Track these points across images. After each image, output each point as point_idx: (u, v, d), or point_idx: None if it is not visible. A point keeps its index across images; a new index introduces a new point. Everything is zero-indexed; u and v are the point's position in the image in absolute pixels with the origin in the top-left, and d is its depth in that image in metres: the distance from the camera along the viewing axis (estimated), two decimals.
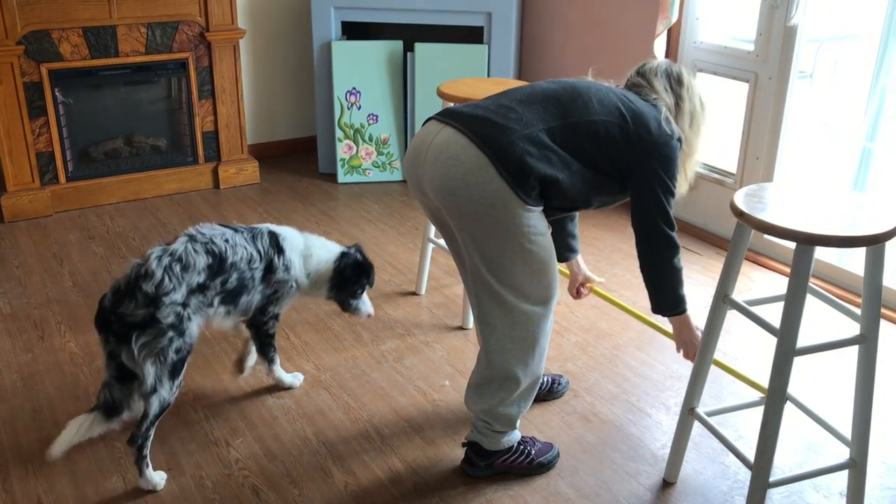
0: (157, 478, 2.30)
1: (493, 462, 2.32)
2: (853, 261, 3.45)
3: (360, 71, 4.51)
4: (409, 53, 4.50)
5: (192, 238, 2.32)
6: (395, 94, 4.58)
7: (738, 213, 1.92)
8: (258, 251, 2.42)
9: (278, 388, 2.75)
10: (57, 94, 4.05)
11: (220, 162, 4.55)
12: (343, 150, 4.60)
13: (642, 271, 2.23)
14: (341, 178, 4.64)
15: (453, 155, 2.01)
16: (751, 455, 2.02)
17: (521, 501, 2.26)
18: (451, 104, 3.15)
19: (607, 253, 3.83)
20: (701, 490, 2.32)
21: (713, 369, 2.32)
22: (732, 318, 2.37)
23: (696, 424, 2.28)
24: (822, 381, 2.84)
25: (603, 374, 2.87)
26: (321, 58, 4.53)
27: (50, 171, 4.14)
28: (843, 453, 2.14)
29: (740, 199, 1.97)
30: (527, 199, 1.99)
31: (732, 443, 2.14)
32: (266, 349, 2.65)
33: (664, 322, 3.17)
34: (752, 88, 3.65)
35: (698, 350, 2.21)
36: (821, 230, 1.82)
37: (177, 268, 2.23)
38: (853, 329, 2.01)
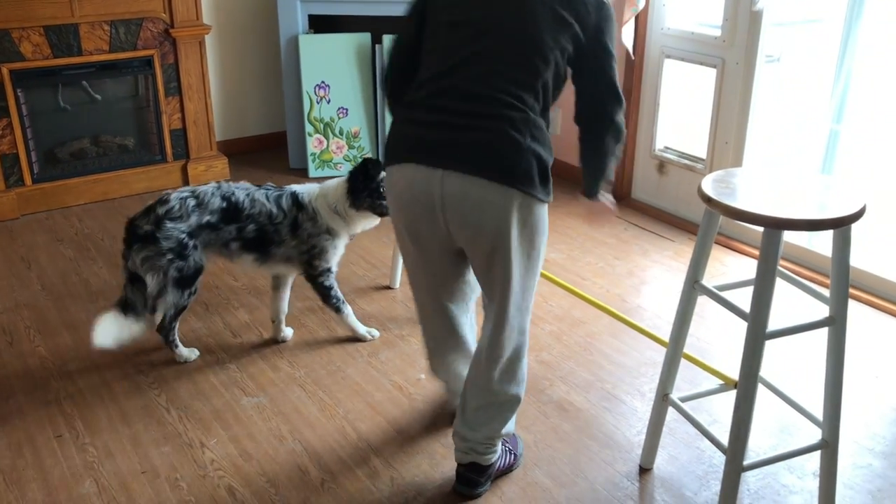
0: (187, 352, 2.84)
1: (492, 473, 2.26)
2: (823, 243, 3.49)
3: (328, 64, 4.48)
4: (377, 46, 4.47)
5: (218, 186, 2.69)
6: (364, 87, 4.55)
7: (706, 199, 1.92)
8: (280, 209, 2.68)
9: (252, 385, 2.73)
10: (19, 94, 3.98)
11: (189, 159, 4.50)
12: (313, 144, 4.57)
13: (587, 163, 2.11)
14: (312, 172, 4.61)
15: (481, 200, 1.89)
16: (725, 439, 2.03)
17: (498, 493, 2.26)
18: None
19: (580, 241, 3.83)
20: (677, 475, 2.34)
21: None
22: (707, 303, 2.39)
23: (671, 410, 2.29)
24: (796, 363, 2.87)
25: (578, 363, 2.88)
26: (289, 52, 4.49)
27: (15, 173, 4.07)
28: (815, 434, 2.16)
29: (708, 184, 1.97)
30: (548, 197, 1.97)
31: (707, 427, 2.16)
32: (328, 301, 2.87)
33: (636, 312, 3.20)
34: (720, 73, 3.67)
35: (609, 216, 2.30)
36: (788, 214, 1.83)
37: (191, 203, 2.61)
38: (824, 311, 2.03)
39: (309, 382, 2.76)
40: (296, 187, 2.76)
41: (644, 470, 2.36)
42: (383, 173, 2.61)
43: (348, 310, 2.92)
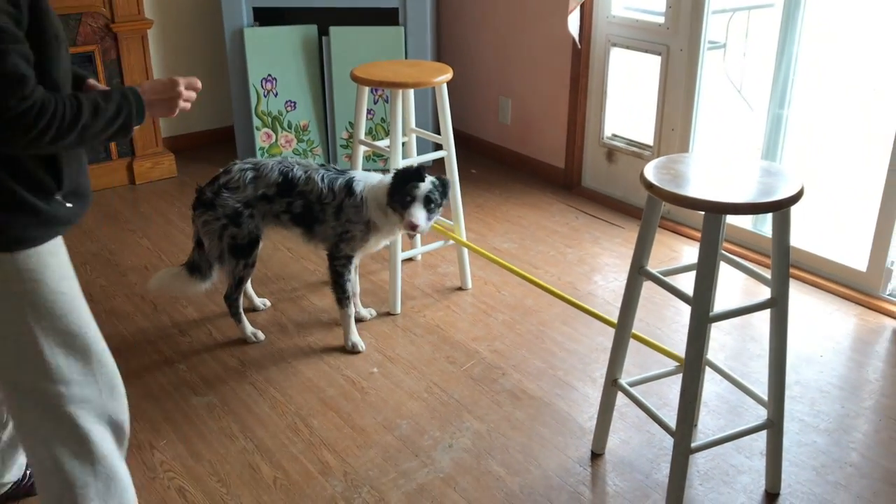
0: (249, 330, 2.94)
1: None
2: (768, 226, 3.55)
3: (274, 57, 4.42)
4: (324, 38, 4.43)
5: (280, 161, 2.78)
6: (312, 80, 4.50)
7: (648, 186, 1.94)
8: (331, 191, 2.72)
9: (202, 385, 2.70)
10: None
11: (135, 157, 4.42)
12: (262, 138, 4.52)
13: (89, 145, 1.67)
14: None
15: None
16: (674, 422, 2.06)
17: (452, 484, 2.27)
18: (368, 88, 3.12)
19: (532, 230, 3.85)
20: (628, 459, 2.36)
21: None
22: (658, 288, 2.41)
23: (622, 395, 2.31)
24: (743, 343, 2.92)
25: (530, 351, 2.89)
26: (234, 45, 4.43)
27: None
28: (762, 414, 2.20)
29: (650, 171, 1.99)
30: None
31: (656, 411, 2.18)
32: (334, 288, 2.85)
33: (587, 299, 3.23)
34: (665, 61, 3.70)
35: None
36: (727, 198, 1.86)
37: (249, 174, 2.73)
38: (767, 293, 2.06)
39: (260, 380, 2.73)
40: (356, 174, 2.79)
41: (596, 455, 2.38)
42: (423, 185, 2.63)
43: (350, 310, 2.88)
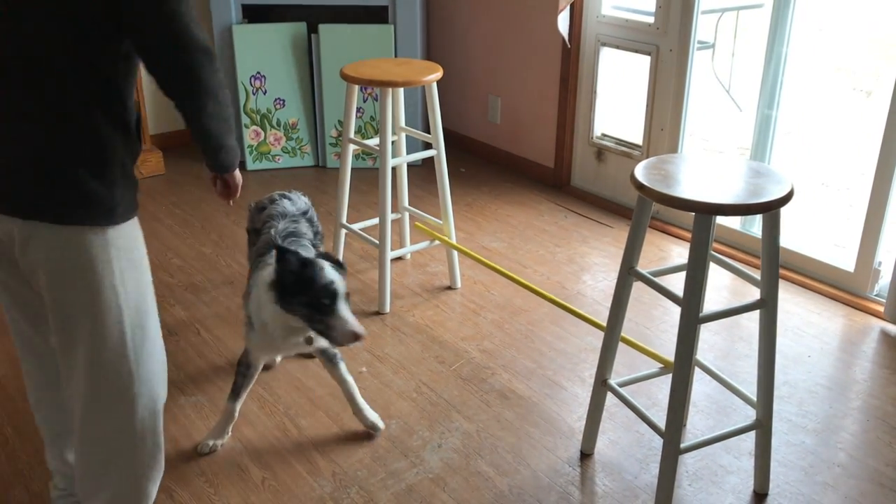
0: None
1: None
2: (757, 226, 3.56)
3: (263, 55, 4.40)
4: (313, 35, 4.41)
5: (280, 199, 2.52)
6: (301, 78, 4.49)
7: (638, 186, 1.94)
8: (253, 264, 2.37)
9: (189, 384, 2.68)
10: None
11: None
12: (250, 136, 4.50)
13: (201, 124, 1.69)
14: (250, 165, 4.54)
15: None
16: (663, 422, 2.06)
17: (441, 484, 2.26)
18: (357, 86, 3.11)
19: (521, 229, 3.85)
20: (617, 459, 2.36)
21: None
22: (647, 288, 2.41)
23: (611, 395, 2.31)
24: (732, 344, 2.93)
25: (519, 351, 2.89)
26: (222, 43, 4.40)
27: None
28: (751, 414, 2.20)
29: (640, 171, 1.99)
30: None
31: (645, 411, 2.18)
32: None
33: (576, 299, 3.23)
34: (654, 61, 3.70)
35: None
36: (717, 199, 1.86)
37: (253, 204, 2.55)
38: (756, 293, 2.07)
39: None
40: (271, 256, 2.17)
41: (585, 455, 2.38)
42: (334, 275, 2.04)
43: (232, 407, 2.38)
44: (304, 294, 1.98)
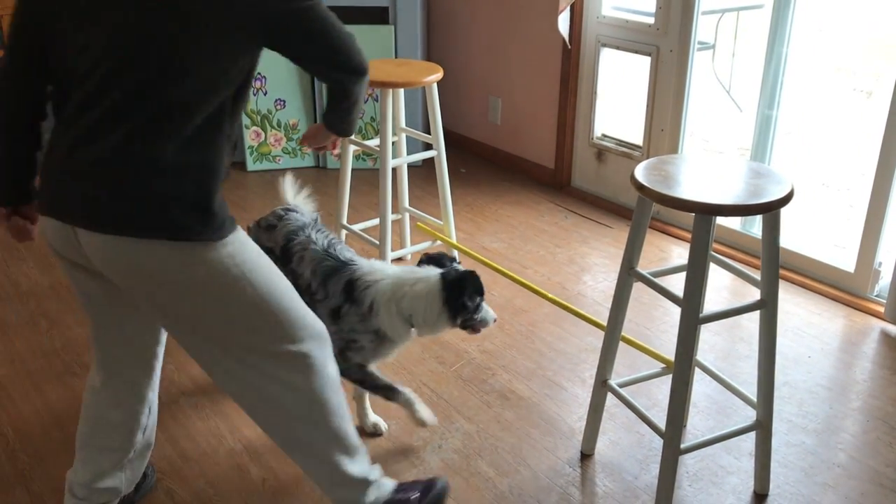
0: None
1: None
2: (757, 227, 3.56)
3: (264, 55, 4.37)
4: None
5: (299, 218, 2.41)
6: (302, 78, 4.49)
7: (639, 187, 1.94)
8: (324, 287, 2.23)
9: (190, 385, 2.68)
10: None
11: None
12: (251, 137, 4.50)
13: (348, 100, 1.85)
14: (250, 165, 4.54)
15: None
16: (663, 423, 2.06)
17: None
18: None
19: (522, 230, 3.85)
20: (617, 460, 2.36)
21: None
22: (647, 288, 2.41)
23: (611, 395, 2.31)
24: (733, 344, 2.93)
25: (519, 351, 2.89)
26: None
27: None
28: (751, 415, 2.20)
29: (640, 172, 1.99)
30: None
31: (645, 412, 2.18)
32: (373, 393, 2.41)
33: (577, 299, 3.23)
34: (654, 61, 3.70)
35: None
36: (718, 200, 1.86)
37: (271, 220, 2.42)
38: (756, 294, 2.07)
39: None
40: (359, 270, 2.20)
41: (585, 456, 2.38)
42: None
43: (405, 395, 2.30)
44: (474, 299, 2.19)
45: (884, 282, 3.16)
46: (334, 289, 2.19)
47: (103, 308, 1.84)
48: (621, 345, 2.32)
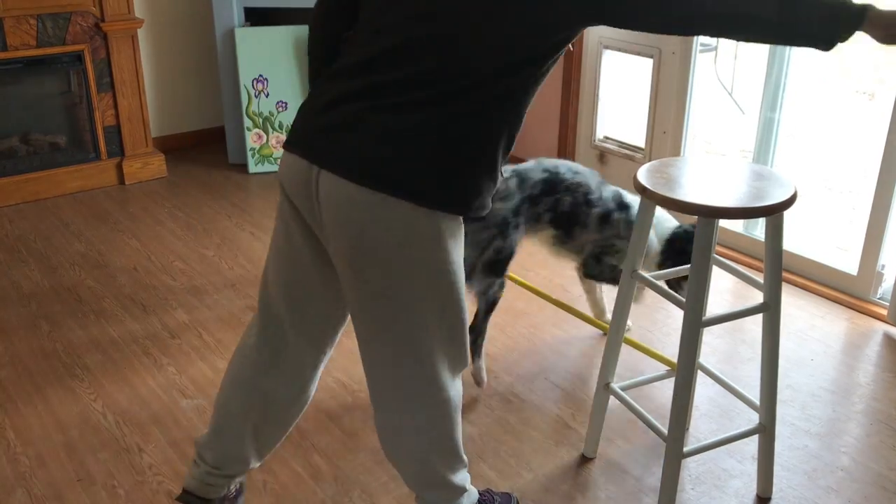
0: (479, 372, 2.64)
1: None
2: (759, 229, 3.55)
3: (266, 58, 4.40)
4: None
5: (538, 161, 2.61)
6: (304, 80, 4.49)
7: (641, 189, 1.93)
8: (600, 196, 2.57)
9: (191, 387, 2.68)
10: None
11: (124, 157, 4.39)
12: (253, 139, 4.50)
13: (760, 35, 1.55)
14: (252, 168, 4.54)
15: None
16: (666, 426, 2.05)
17: None
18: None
19: None
20: (620, 463, 2.36)
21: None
22: (648, 290, 2.40)
23: (614, 398, 2.31)
24: (736, 347, 2.92)
25: (522, 354, 2.88)
26: (225, 45, 4.41)
27: None
28: (754, 418, 2.20)
29: (643, 174, 1.98)
30: None
31: (648, 415, 2.18)
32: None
33: (579, 302, 3.22)
34: (657, 64, 3.70)
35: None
36: (720, 203, 1.85)
37: (514, 181, 2.52)
38: (759, 297, 2.06)
39: None
40: (622, 190, 2.63)
41: (588, 459, 2.37)
42: None
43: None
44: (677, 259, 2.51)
45: (887, 284, 3.15)
46: (607, 197, 2.58)
47: (300, 265, 1.77)
48: (624, 348, 2.31)
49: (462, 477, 1.89)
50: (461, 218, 1.62)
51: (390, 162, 1.52)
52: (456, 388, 1.76)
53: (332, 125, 1.57)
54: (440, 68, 1.51)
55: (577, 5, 1.48)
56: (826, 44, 1.50)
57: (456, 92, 1.51)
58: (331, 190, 1.56)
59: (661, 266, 2.59)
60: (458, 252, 1.64)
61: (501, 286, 2.59)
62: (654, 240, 2.61)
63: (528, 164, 2.59)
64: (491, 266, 2.52)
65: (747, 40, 1.59)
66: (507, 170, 2.57)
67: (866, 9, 1.47)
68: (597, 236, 2.58)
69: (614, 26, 1.54)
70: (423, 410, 1.75)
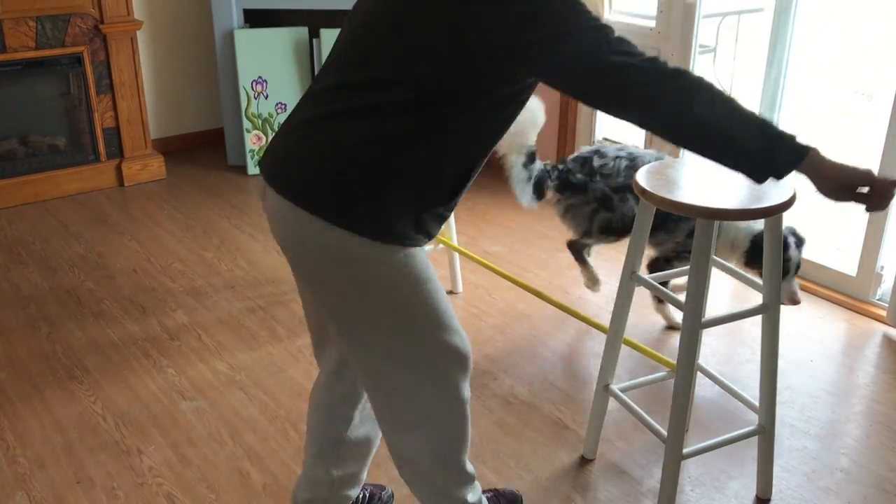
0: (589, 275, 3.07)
1: None
2: None
3: (265, 59, 4.40)
4: (314, 40, 4.42)
5: (659, 151, 2.78)
6: (303, 82, 4.49)
7: (641, 191, 1.94)
8: None
9: (191, 389, 2.68)
10: None
11: (124, 159, 4.39)
12: (252, 140, 4.50)
13: (698, 147, 1.45)
14: (251, 169, 4.54)
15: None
16: (665, 427, 2.05)
17: None
18: None
19: (522, 234, 3.85)
20: (619, 465, 2.36)
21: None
22: (646, 291, 2.41)
23: (613, 399, 2.31)
24: (735, 348, 2.92)
25: (521, 355, 2.88)
26: (224, 47, 4.41)
27: None
28: (753, 419, 2.20)
29: (642, 176, 1.98)
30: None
31: (647, 416, 2.18)
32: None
33: (578, 303, 3.22)
34: None
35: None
36: (720, 204, 1.85)
37: (625, 163, 2.72)
38: (759, 298, 2.06)
39: (250, 385, 2.71)
40: None
41: (587, 460, 2.37)
42: (794, 254, 2.62)
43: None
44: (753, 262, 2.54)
45: (886, 285, 3.15)
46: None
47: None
48: (623, 349, 2.31)
49: (470, 493, 1.82)
50: (404, 246, 1.51)
51: (305, 177, 1.49)
52: (448, 403, 1.67)
53: (275, 140, 1.59)
54: (364, 86, 1.48)
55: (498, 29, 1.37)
56: (760, 173, 1.44)
57: (376, 112, 1.45)
58: (269, 204, 1.57)
59: (746, 264, 2.61)
60: (407, 283, 1.53)
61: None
62: (741, 237, 2.63)
63: (644, 151, 2.78)
64: (607, 231, 2.81)
65: (689, 148, 1.47)
66: (619, 149, 2.80)
67: (809, 149, 1.43)
68: (679, 241, 2.70)
69: (546, 83, 1.44)
70: (414, 431, 1.68)
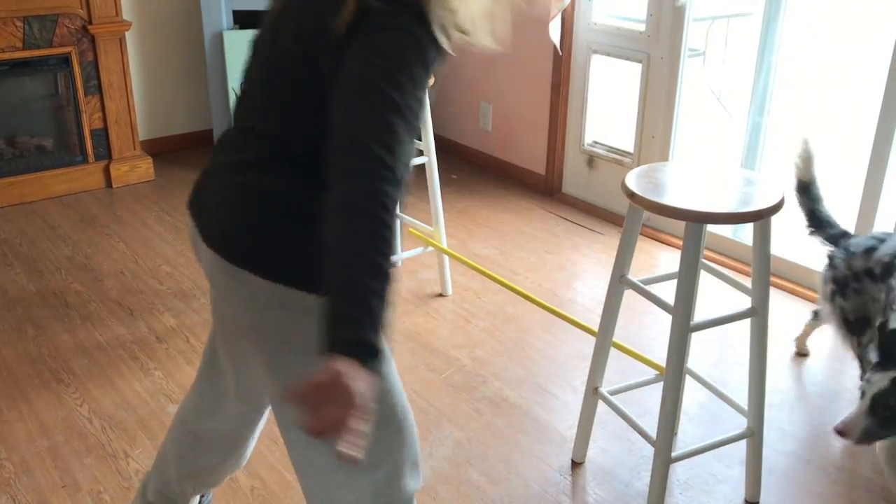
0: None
1: None
2: (748, 234, 3.56)
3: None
4: None
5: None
6: None
7: (629, 194, 1.94)
8: None
9: (178, 393, 2.66)
10: None
11: (112, 160, 4.37)
12: None
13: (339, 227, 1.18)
14: None
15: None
16: (654, 431, 2.05)
17: (431, 493, 2.25)
18: None
19: (512, 236, 3.84)
20: (608, 468, 2.36)
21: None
22: (635, 294, 2.41)
23: (602, 403, 2.30)
24: (724, 352, 2.92)
25: (510, 358, 2.88)
26: (213, 48, 4.39)
27: None
28: (742, 423, 2.20)
29: (631, 180, 1.99)
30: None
31: (636, 419, 2.18)
32: None
33: (568, 306, 3.22)
34: (645, 68, 3.71)
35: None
36: (709, 208, 1.86)
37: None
38: (748, 302, 2.06)
39: None
40: None
41: (576, 464, 2.37)
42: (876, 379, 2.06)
43: None
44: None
45: None
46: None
47: None
48: (612, 352, 2.31)
49: None
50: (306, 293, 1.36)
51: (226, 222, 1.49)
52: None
53: (203, 180, 1.60)
54: (255, 129, 1.48)
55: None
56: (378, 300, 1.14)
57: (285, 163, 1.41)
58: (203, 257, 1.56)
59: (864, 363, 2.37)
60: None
61: (860, 344, 2.38)
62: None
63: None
64: (844, 323, 2.39)
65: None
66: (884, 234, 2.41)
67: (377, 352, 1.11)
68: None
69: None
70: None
